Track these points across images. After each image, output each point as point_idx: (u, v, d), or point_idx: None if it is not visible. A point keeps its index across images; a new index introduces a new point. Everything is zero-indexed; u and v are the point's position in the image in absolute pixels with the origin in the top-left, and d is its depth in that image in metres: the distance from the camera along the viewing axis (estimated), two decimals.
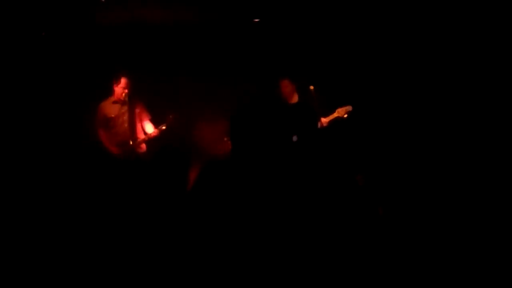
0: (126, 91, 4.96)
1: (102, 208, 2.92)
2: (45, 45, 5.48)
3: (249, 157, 2.54)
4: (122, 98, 4.98)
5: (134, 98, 5.03)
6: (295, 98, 5.21)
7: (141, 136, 5.12)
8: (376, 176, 4.55)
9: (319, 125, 4.94)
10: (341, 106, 5.12)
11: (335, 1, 5.14)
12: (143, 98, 5.19)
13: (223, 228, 2.37)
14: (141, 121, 5.14)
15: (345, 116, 5.09)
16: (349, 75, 5.56)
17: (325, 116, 5.13)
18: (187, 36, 5.82)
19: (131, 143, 5.02)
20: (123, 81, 4.97)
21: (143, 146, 5.16)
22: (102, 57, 5.61)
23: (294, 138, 4.05)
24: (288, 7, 5.25)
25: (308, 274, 2.20)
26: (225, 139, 5.09)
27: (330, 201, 2.35)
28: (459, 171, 4.57)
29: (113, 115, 5.01)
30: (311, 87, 5.00)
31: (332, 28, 5.60)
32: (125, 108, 5.00)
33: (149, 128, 5.15)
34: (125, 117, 5.01)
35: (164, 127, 5.03)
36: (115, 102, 5.04)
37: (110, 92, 5.06)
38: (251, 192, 2.40)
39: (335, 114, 5.12)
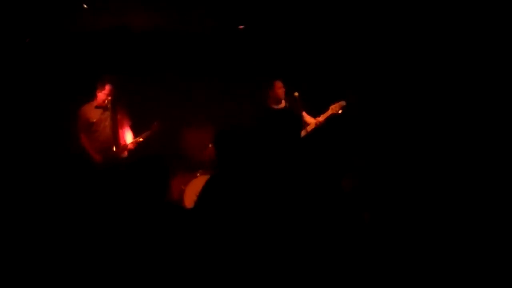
0: (110, 98, 4.89)
1: (83, 215, 2.87)
2: (30, 51, 5.41)
3: (236, 164, 2.51)
4: (104, 105, 4.91)
5: (117, 104, 4.96)
6: (282, 104, 5.13)
7: (124, 142, 5.07)
8: (363, 181, 4.52)
9: (302, 133, 4.89)
10: (333, 102, 5.06)
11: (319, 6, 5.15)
12: (127, 104, 5.14)
13: (207, 234, 2.34)
14: (122, 127, 5.09)
15: (340, 111, 5.02)
16: (336, 79, 5.56)
17: (319, 115, 5.09)
18: (173, 42, 5.81)
19: (114, 149, 4.94)
20: (107, 88, 4.90)
21: (126, 152, 5.08)
22: (86, 63, 5.55)
23: None
24: (273, 13, 5.26)
25: (294, 278, 2.18)
26: (210, 145, 5.04)
27: (316, 207, 2.33)
28: (449, 174, 4.55)
29: (95, 120, 4.94)
30: (296, 94, 4.97)
31: (316, 33, 5.60)
32: (107, 113, 4.93)
33: (128, 136, 5.11)
34: (107, 123, 4.94)
35: (141, 139, 5.01)
36: (97, 107, 4.97)
37: (92, 96, 4.99)
38: (239, 199, 2.37)
39: (329, 112, 5.05)
